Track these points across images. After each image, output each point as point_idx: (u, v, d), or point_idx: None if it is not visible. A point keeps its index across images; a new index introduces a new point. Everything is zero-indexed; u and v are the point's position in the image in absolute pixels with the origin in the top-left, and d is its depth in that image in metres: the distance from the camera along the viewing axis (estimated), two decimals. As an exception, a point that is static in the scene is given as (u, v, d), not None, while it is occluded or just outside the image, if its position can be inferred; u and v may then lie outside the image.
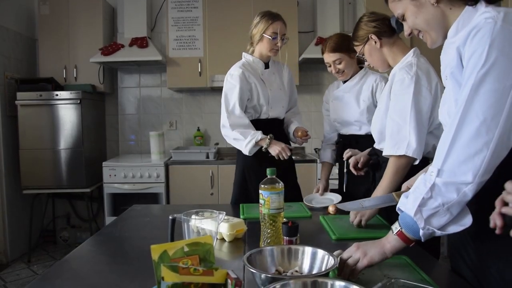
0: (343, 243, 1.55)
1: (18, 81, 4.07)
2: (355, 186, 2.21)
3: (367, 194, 2.03)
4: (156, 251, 0.91)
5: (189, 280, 0.82)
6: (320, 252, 1.20)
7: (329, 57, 2.31)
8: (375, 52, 1.95)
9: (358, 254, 1.17)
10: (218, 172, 3.99)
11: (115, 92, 4.70)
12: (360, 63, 2.38)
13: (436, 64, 1.49)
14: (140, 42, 4.15)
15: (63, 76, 4.24)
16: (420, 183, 1.08)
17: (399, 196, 1.42)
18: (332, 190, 2.44)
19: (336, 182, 2.61)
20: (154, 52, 4.12)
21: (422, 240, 1.10)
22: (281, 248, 1.25)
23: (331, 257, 1.16)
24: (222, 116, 2.46)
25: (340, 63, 2.28)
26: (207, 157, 4.08)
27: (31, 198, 4.19)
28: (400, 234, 1.13)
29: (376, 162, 2.01)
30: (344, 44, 2.25)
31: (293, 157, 2.62)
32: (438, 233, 1.07)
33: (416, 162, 1.75)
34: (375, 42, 1.92)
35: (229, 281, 0.84)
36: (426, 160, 1.81)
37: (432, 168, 1.07)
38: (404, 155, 1.72)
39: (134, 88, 4.69)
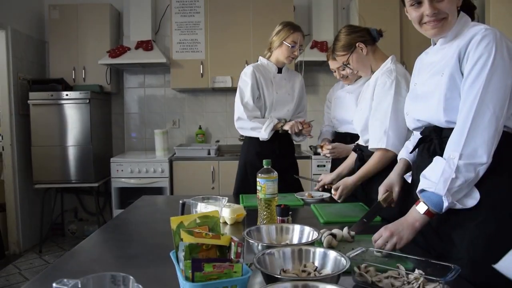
0: (330, 226, 1.79)
1: (30, 82, 4.32)
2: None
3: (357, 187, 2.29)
4: (174, 222, 1.15)
5: (202, 242, 1.07)
6: (307, 229, 1.45)
7: (334, 64, 2.52)
8: (362, 59, 2.13)
9: (394, 239, 1.34)
10: (219, 167, 4.24)
11: (121, 92, 4.95)
12: None
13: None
14: (145, 45, 4.39)
15: (72, 77, 4.48)
16: (445, 167, 1.27)
17: (384, 201, 1.66)
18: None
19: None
20: (158, 55, 4.36)
21: (442, 212, 1.30)
22: (275, 226, 1.50)
23: (315, 232, 1.40)
24: (237, 110, 2.63)
25: (344, 69, 2.45)
26: (209, 153, 4.33)
27: (42, 192, 4.44)
28: (428, 212, 1.33)
29: (361, 156, 2.25)
30: None
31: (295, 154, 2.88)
32: (458, 206, 1.28)
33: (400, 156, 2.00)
34: (362, 50, 2.11)
35: (232, 243, 1.09)
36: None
37: (452, 153, 1.28)
38: (385, 148, 1.96)
39: (139, 88, 4.94)
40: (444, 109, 1.34)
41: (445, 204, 1.28)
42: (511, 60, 1.24)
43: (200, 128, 4.88)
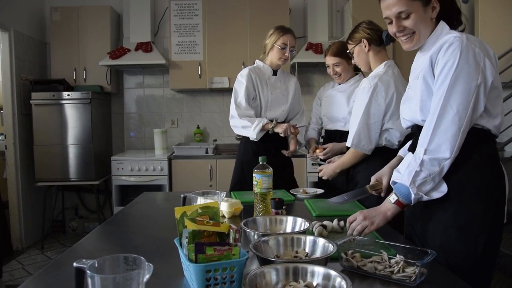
0: (321, 218, 1.91)
1: (32, 82, 4.43)
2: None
3: (344, 183, 2.42)
4: (178, 211, 1.27)
5: (203, 228, 1.19)
6: (299, 220, 1.57)
7: (330, 60, 2.68)
8: (362, 54, 2.32)
9: (366, 222, 1.49)
10: (216, 165, 4.36)
11: (120, 92, 5.06)
12: (356, 70, 2.74)
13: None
14: (145, 47, 4.50)
15: (73, 77, 4.59)
16: (411, 160, 1.42)
17: (371, 189, 1.79)
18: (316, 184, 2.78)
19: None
20: (158, 56, 4.47)
21: (412, 204, 1.45)
22: (269, 217, 1.62)
23: (307, 223, 1.53)
24: (231, 108, 2.74)
25: (338, 66, 2.65)
26: (206, 152, 4.45)
27: (44, 190, 4.55)
28: (398, 202, 1.48)
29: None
30: (344, 51, 2.54)
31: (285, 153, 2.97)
32: (425, 198, 1.41)
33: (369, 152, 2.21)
34: (365, 46, 2.29)
35: (231, 230, 1.21)
36: (389, 150, 2.21)
37: (419, 148, 1.42)
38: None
39: (139, 89, 5.06)
40: (420, 109, 1.47)
41: (412, 195, 1.41)
42: (477, 65, 1.36)
43: (198, 127, 5.00)
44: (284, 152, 2.74)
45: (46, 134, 4.35)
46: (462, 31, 1.52)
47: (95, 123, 4.44)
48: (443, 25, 1.49)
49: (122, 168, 4.30)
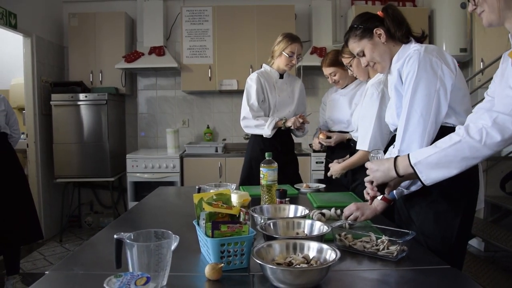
0: (321, 209, 2.12)
1: (52, 84, 4.69)
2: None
3: (348, 181, 2.62)
4: (196, 197, 1.50)
5: (218, 211, 1.41)
6: (300, 208, 1.79)
7: (326, 70, 2.85)
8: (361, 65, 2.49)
9: (358, 213, 1.72)
10: (226, 163, 4.60)
11: (134, 94, 5.31)
12: None
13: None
14: (158, 51, 4.74)
15: (90, 79, 4.84)
16: None
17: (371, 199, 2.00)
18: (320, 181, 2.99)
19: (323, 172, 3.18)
20: (170, 60, 4.72)
21: (396, 198, 1.67)
22: (274, 206, 1.85)
23: (306, 210, 1.75)
24: (243, 110, 2.96)
25: (335, 75, 2.82)
26: (216, 151, 4.69)
27: (62, 186, 4.80)
28: (384, 198, 1.71)
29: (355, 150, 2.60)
30: (338, 60, 2.71)
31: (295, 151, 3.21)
32: (406, 191, 1.63)
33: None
34: None
35: (241, 212, 1.43)
36: None
37: (394, 149, 1.64)
38: (367, 150, 2.33)
39: (151, 90, 5.30)
40: (397, 115, 1.71)
41: (394, 191, 1.63)
42: (434, 72, 1.57)
43: (208, 127, 5.24)
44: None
45: (65, 133, 4.61)
46: (426, 36, 1.75)
47: (110, 123, 4.69)
48: (406, 44, 1.73)
49: (137, 166, 4.54)
